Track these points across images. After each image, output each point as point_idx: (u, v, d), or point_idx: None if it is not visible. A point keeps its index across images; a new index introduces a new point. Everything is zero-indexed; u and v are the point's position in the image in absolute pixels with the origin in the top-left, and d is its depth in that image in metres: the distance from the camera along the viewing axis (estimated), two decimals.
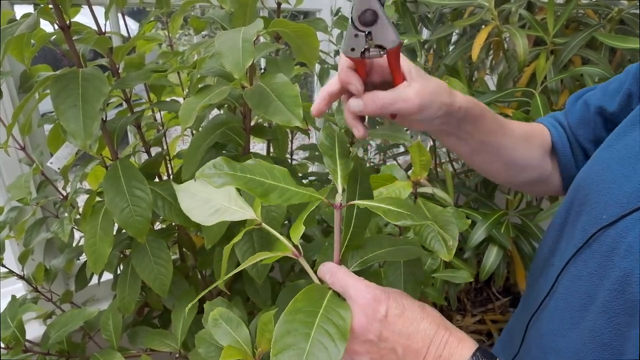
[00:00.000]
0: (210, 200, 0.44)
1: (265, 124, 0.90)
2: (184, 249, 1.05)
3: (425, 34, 1.43)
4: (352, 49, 0.40)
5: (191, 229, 0.82)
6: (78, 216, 0.87)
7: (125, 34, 0.97)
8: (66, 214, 0.90)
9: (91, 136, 0.57)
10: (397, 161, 1.44)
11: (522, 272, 1.17)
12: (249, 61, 0.50)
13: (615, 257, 0.38)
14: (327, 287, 0.42)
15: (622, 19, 1.07)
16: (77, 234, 0.97)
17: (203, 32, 1.12)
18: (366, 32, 0.39)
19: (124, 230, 0.80)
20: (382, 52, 0.40)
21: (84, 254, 0.94)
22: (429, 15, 1.31)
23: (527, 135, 0.57)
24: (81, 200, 0.87)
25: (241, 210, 0.44)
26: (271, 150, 0.98)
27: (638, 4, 1.00)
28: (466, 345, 0.38)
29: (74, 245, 0.96)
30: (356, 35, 0.39)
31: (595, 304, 0.39)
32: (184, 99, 1.11)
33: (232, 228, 0.76)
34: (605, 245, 0.40)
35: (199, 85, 0.65)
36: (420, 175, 0.65)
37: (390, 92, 0.42)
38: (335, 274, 0.41)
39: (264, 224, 0.45)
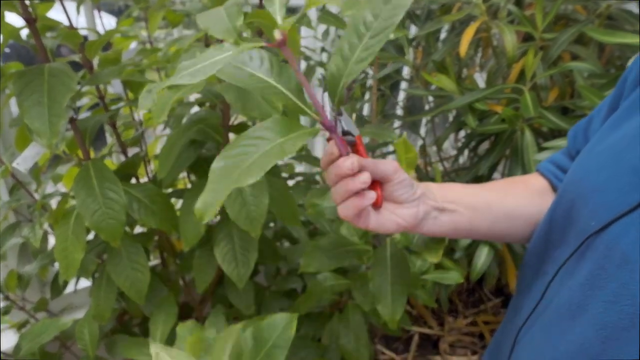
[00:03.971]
0: None
1: (250, 123, 0.86)
2: (165, 254, 1.01)
3: (413, 31, 1.41)
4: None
5: (171, 232, 0.78)
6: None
7: (101, 31, 0.93)
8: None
9: (57, 134, 0.53)
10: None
11: (513, 272, 1.15)
12: (240, 22, 0.47)
13: (609, 266, 0.36)
14: None
15: (610, 15, 1.05)
16: (52, 239, 0.93)
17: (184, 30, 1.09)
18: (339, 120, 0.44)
19: None
20: (352, 138, 0.45)
21: None
22: (417, 13, 1.29)
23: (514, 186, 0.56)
24: (55, 202, 0.83)
25: None
26: None
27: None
28: None
29: (48, 250, 0.92)
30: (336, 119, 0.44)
31: (586, 314, 0.37)
32: None
33: (211, 229, 0.73)
34: (597, 252, 0.37)
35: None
36: (406, 172, 0.62)
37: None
38: None
39: None
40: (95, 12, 0.98)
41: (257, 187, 0.64)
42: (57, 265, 0.98)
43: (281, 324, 0.54)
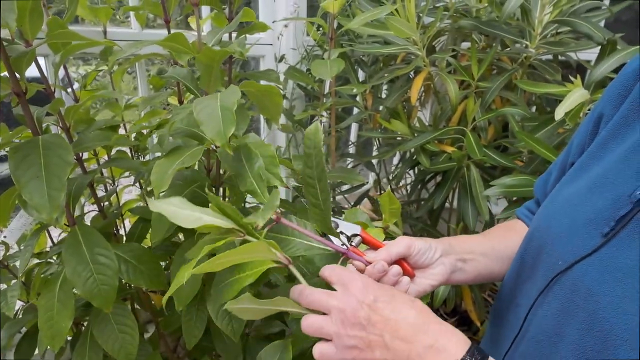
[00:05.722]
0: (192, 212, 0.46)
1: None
2: (136, 305, 0.99)
3: (360, 74, 1.52)
4: (343, 244, 0.52)
5: (159, 289, 0.78)
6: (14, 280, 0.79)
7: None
8: (5, 285, 0.82)
9: (58, 209, 0.54)
10: (345, 197, 1.49)
11: (468, 294, 1.26)
12: (231, 129, 0.52)
13: (577, 299, 0.44)
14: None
15: (531, 64, 1.23)
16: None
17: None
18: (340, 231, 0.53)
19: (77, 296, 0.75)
20: (359, 238, 0.54)
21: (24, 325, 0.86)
22: (364, 59, 1.40)
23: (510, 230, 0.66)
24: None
25: (224, 220, 0.47)
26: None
27: (543, 52, 1.16)
28: (460, 341, 0.42)
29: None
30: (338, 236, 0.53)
31: (564, 341, 0.45)
32: (131, 148, 1.07)
33: (204, 291, 0.74)
34: (565, 288, 0.46)
35: (169, 144, 0.64)
36: (390, 221, 0.69)
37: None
38: (334, 268, 0.47)
39: (247, 236, 0.47)
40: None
41: None
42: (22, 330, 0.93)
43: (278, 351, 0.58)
